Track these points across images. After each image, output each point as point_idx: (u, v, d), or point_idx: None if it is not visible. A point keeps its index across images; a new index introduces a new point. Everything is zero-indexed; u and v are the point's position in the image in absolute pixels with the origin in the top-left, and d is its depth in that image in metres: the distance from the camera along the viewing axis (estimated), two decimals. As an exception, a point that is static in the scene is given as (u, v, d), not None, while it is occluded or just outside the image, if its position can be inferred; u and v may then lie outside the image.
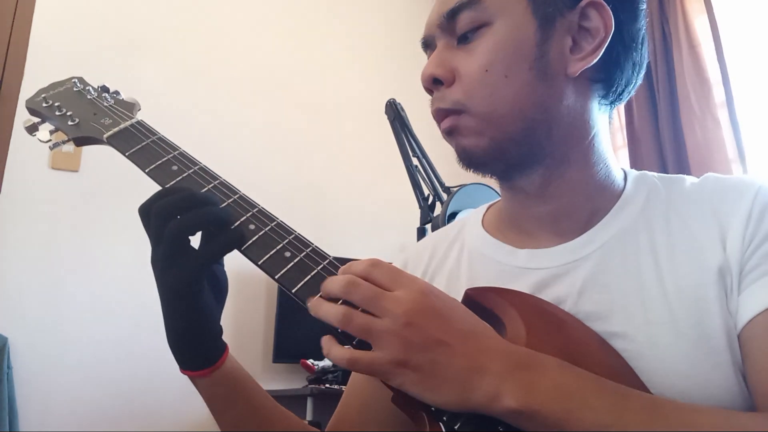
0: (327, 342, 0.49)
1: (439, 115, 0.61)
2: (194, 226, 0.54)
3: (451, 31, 0.61)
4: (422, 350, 0.46)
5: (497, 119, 0.58)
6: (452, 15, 0.60)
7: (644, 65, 0.63)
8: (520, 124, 0.58)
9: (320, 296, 0.51)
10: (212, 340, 0.59)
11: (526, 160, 0.61)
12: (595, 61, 0.59)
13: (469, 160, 0.61)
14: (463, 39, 0.60)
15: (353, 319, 0.47)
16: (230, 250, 0.55)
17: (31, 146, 2.10)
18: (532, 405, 0.44)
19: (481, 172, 0.63)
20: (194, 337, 0.57)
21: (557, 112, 0.59)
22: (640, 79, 0.64)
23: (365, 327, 0.47)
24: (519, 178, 0.62)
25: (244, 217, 0.57)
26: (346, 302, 0.49)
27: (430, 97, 0.63)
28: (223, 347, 0.60)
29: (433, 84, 0.61)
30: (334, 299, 0.50)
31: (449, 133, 0.61)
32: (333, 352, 0.48)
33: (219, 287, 0.60)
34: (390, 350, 0.46)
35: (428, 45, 0.65)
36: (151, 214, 0.55)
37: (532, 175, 0.61)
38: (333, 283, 0.50)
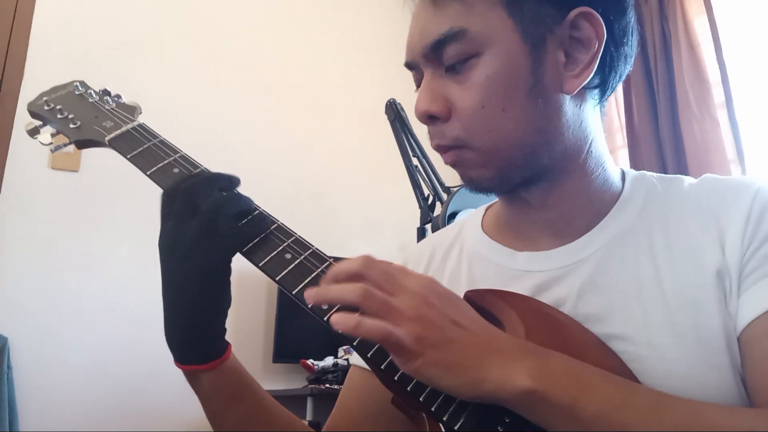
0: (336, 316, 0.45)
1: (440, 149, 0.60)
2: (230, 200, 0.55)
3: (437, 61, 0.58)
4: (440, 328, 0.46)
5: (499, 152, 0.57)
6: (437, 47, 0.57)
7: (634, 53, 0.62)
8: (522, 152, 0.58)
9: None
10: (220, 332, 0.59)
11: (531, 179, 0.60)
12: (593, 74, 0.58)
13: (476, 187, 0.61)
14: (452, 69, 0.57)
15: (373, 294, 0.46)
16: (263, 233, 0.56)
17: (31, 146, 2.10)
18: (545, 384, 0.44)
19: (486, 194, 0.63)
20: (207, 326, 0.57)
21: (556, 130, 0.58)
22: (630, 67, 0.62)
23: (384, 301, 0.46)
24: (521, 192, 0.62)
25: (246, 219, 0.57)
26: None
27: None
28: (227, 344, 0.60)
29: (429, 120, 0.59)
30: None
31: (454, 165, 0.61)
32: (342, 322, 0.44)
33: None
34: (410, 325, 0.45)
35: (411, 67, 0.62)
36: (177, 193, 0.54)
37: (532, 188, 0.61)
38: (352, 264, 0.49)
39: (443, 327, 0.46)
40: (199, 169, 0.60)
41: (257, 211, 0.57)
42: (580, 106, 0.60)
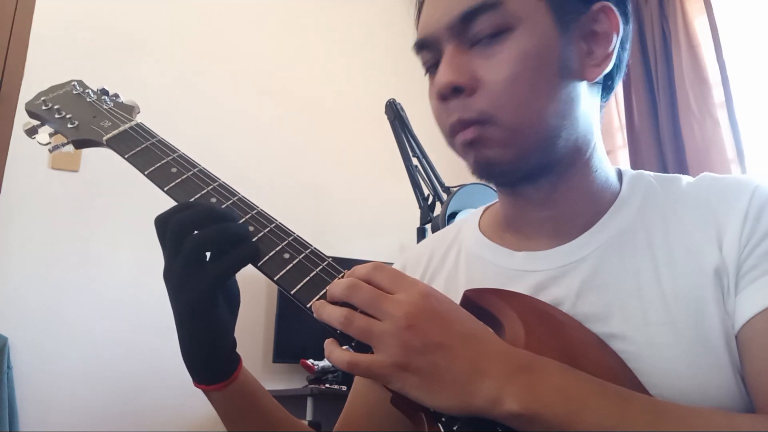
0: (329, 345, 0.49)
1: (461, 125, 0.58)
2: (212, 240, 0.53)
3: (463, 33, 0.57)
4: (422, 353, 0.46)
5: (525, 130, 0.57)
6: (468, 17, 0.56)
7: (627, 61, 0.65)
8: (544, 133, 0.57)
9: (322, 298, 0.51)
10: (226, 354, 0.59)
11: (542, 170, 0.60)
12: (611, 65, 0.60)
13: (489, 171, 0.59)
14: (479, 42, 0.57)
15: (353, 321, 0.47)
16: (245, 265, 0.54)
17: (31, 147, 2.10)
18: (534, 408, 0.44)
19: (494, 182, 0.62)
20: (209, 353, 0.57)
21: (575, 118, 0.59)
22: (623, 75, 0.65)
23: (365, 329, 0.47)
24: (527, 186, 0.62)
25: (243, 219, 0.57)
26: (348, 305, 0.49)
27: (433, 99, 0.60)
28: (237, 360, 0.60)
29: (452, 93, 0.57)
30: (337, 303, 0.49)
31: (471, 144, 0.58)
32: (334, 355, 0.48)
33: (232, 299, 0.59)
34: (390, 353, 0.46)
35: (425, 46, 0.61)
36: (168, 226, 0.54)
37: (539, 182, 0.61)
38: (336, 286, 0.50)
39: (425, 351, 0.46)
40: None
41: (245, 242, 0.55)
42: (592, 103, 0.62)
